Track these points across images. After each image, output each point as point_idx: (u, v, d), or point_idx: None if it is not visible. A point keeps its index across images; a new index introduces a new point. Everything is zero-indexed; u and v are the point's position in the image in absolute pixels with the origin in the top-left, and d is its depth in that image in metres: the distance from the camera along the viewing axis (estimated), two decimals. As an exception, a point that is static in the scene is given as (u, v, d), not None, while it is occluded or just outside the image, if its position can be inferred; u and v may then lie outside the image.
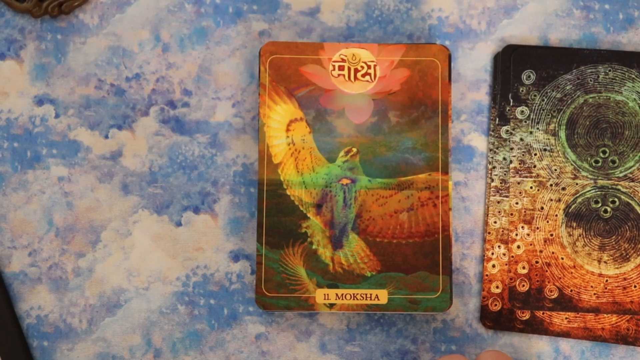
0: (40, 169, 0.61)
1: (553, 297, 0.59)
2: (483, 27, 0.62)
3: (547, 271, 0.59)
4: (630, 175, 0.60)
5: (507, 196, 0.60)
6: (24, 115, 0.61)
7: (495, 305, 0.60)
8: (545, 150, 0.60)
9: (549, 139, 0.60)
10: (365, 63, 0.59)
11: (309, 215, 0.58)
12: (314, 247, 0.58)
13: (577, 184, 0.60)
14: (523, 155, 0.60)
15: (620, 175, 0.60)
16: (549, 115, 0.61)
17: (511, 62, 0.61)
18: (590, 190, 0.60)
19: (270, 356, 0.60)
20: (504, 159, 0.61)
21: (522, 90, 0.61)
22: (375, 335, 0.60)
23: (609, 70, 0.61)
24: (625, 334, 0.59)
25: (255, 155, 0.61)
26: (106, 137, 0.61)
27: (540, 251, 0.60)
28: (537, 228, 0.60)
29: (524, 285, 0.59)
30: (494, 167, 0.61)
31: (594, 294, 0.59)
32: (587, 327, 0.59)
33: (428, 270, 0.58)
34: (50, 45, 0.62)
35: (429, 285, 0.58)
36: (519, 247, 0.60)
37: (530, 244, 0.60)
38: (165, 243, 0.60)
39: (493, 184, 0.60)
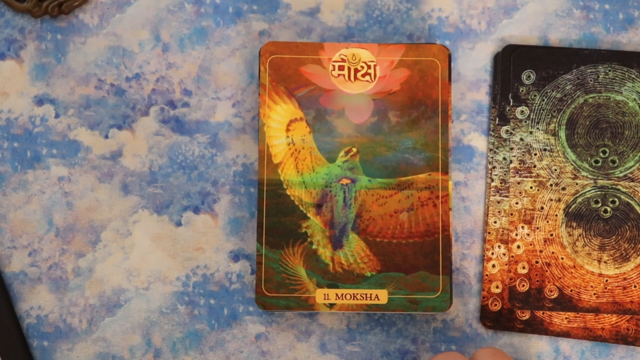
0: (40, 169, 0.61)
1: (553, 297, 0.59)
2: (483, 27, 0.62)
3: (547, 271, 0.59)
4: (630, 175, 0.60)
5: (507, 196, 0.60)
6: (24, 115, 0.61)
7: (495, 305, 0.60)
8: (545, 150, 0.60)
9: (549, 139, 0.60)
10: (365, 63, 0.59)
11: (309, 215, 0.58)
12: (314, 247, 0.58)
13: (577, 184, 0.60)
14: (523, 155, 0.60)
15: (620, 175, 0.60)
16: (549, 115, 0.61)
17: (511, 62, 0.61)
18: (590, 190, 0.60)
19: (270, 356, 0.60)
20: (504, 159, 0.61)
21: (522, 90, 0.61)
22: (375, 335, 0.60)
23: (609, 70, 0.61)
24: (625, 334, 0.59)
25: (255, 155, 0.61)
26: (106, 137, 0.61)
27: (540, 251, 0.60)
28: (537, 228, 0.60)
29: (524, 285, 0.59)
30: (494, 167, 0.61)
31: (594, 294, 0.59)
32: (587, 327, 0.59)
33: (428, 270, 0.58)
34: (50, 45, 0.62)
35: (429, 285, 0.58)
36: (519, 247, 0.60)
37: (530, 244, 0.60)
38: (165, 243, 0.60)
39: (493, 184, 0.60)
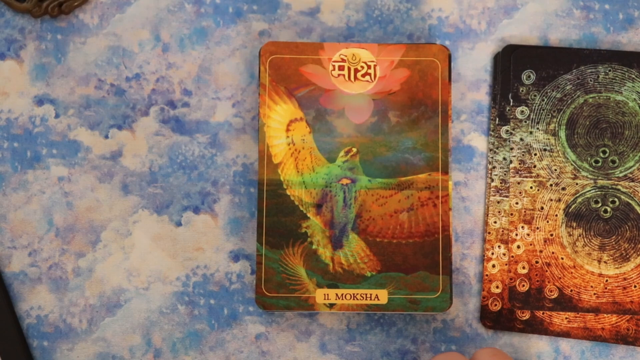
0: (40, 169, 0.61)
1: (553, 297, 0.59)
2: (483, 27, 0.62)
3: (547, 271, 0.59)
4: (630, 175, 0.60)
5: (507, 196, 0.60)
6: (24, 115, 0.61)
7: (495, 305, 0.60)
8: (545, 150, 0.60)
9: (549, 139, 0.60)
10: (365, 63, 0.59)
11: (309, 215, 0.58)
12: (314, 247, 0.58)
13: (577, 184, 0.60)
14: (523, 155, 0.60)
15: (620, 175, 0.60)
16: (549, 115, 0.61)
17: (511, 62, 0.61)
18: (590, 190, 0.60)
19: (270, 356, 0.60)
20: (504, 159, 0.61)
21: (522, 90, 0.61)
22: (375, 335, 0.60)
23: (609, 70, 0.61)
24: (625, 334, 0.59)
25: (255, 155, 0.61)
26: (106, 137, 0.61)
27: (540, 251, 0.60)
28: (537, 228, 0.60)
29: (524, 285, 0.59)
30: (494, 167, 0.61)
31: (594, 294, 0.59)
32: (587, 327, 0.59)
33: (428, 270, 0.58)
34: (50, 45, 0.62)
35: (429, 285, 0.58)
36: (519, 247, 0.60)
37: (530, 244, 0.60)
38: (165, 243, 0.60)
39: (493, 184, 0.60)
